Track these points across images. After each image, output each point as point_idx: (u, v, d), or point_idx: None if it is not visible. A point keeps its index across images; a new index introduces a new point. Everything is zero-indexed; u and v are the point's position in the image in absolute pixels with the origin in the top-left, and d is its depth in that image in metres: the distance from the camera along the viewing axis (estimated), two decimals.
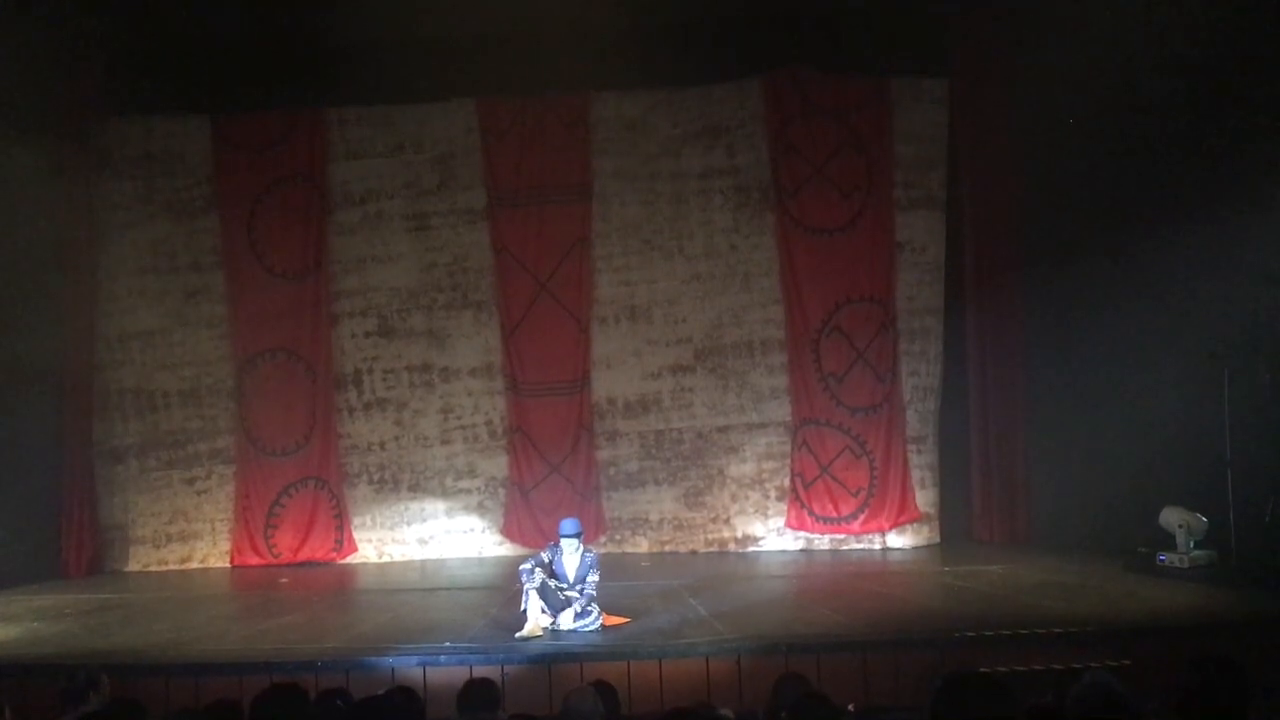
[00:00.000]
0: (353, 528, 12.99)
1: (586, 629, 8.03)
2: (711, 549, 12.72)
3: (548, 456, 12.85)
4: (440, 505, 13.04)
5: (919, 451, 12.71)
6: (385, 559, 12.99)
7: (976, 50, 12.45)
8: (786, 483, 12.74)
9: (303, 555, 12.84)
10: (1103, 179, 10.96)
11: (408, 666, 7.26)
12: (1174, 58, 9.73)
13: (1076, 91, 10.99)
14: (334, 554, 12.89)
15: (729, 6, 12.03)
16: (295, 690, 4.41)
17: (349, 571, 12.51)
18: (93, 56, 12.36)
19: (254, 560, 12.82)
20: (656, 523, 12.83)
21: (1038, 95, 11.70)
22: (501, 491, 12.99)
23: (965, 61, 12.53)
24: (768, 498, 12.80)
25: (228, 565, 12.91)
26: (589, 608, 8.11)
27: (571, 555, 8.34)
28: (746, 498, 12.81)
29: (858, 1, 12.07)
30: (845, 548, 12.63)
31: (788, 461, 12.76)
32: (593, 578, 8.22)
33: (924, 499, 12.67)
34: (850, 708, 5.54)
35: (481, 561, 12.58)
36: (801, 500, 12.65)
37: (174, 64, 12.56)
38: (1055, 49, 11.15)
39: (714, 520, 12.81)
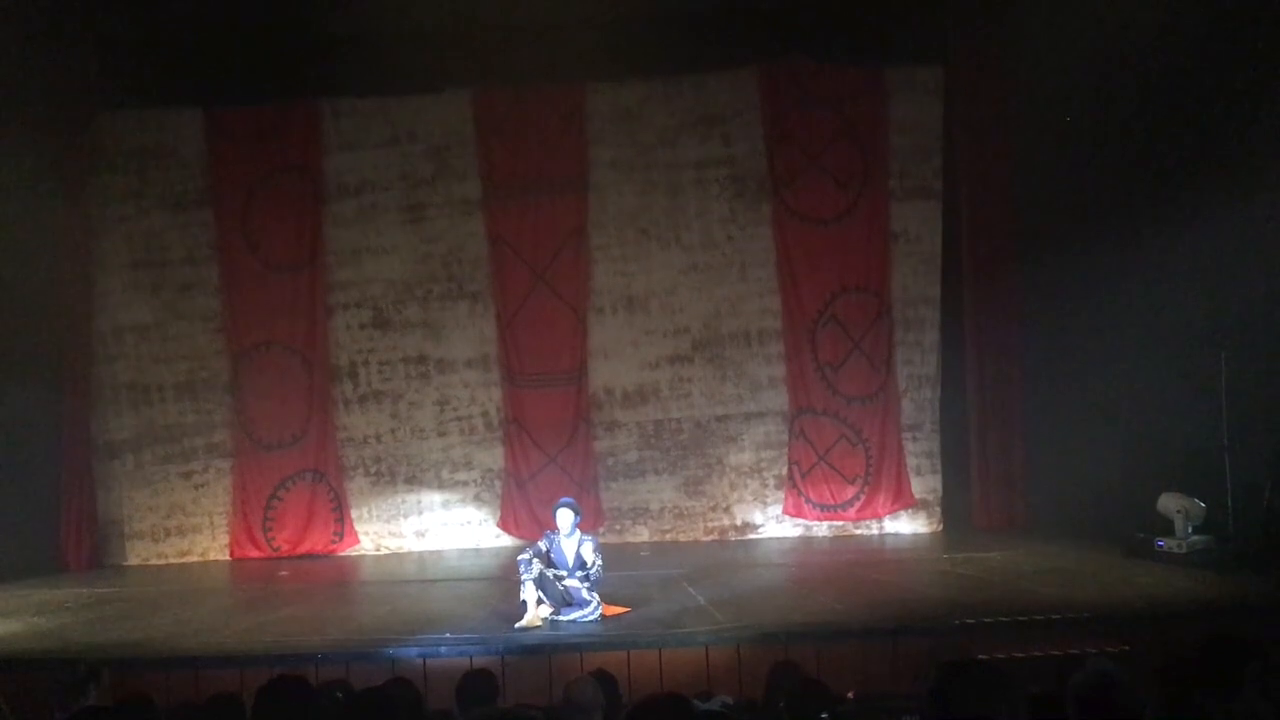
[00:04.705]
0: (352, 519, 12.98)
1: (586, 619, 8.05)
2: (712, 537, 12.74)
3: (545, 447, 12.83)
4: (437, 497, 13.02)
5: (914, 439, 12.75)
6: (382, 551, 12.97)
7: (972, 38, 12.42)
8: (784, 471, 12.77)
9: (302, 548, 12.81)
10: (1098, 166, 10.97)
11: (408, 658, 7.28)
12: (1171, 46, 9.73)
13: (1072, 80, 10.98)
14: (333, 546, 12.87)
15: None
16: (299, 682, 4.40)
17: (348, 564, 12.50)
18: (85, 50, 12.28)
19: (253, 553, 12.80)
20: (657, 512, 12.84)
21: (1033, 83, 11.70)
22: (498, 483, 12.98)
23: (961, 49, 12.50)
24: (766, 486, 12.83)
25: (227, 558, 12.90)
26: (589, 597, 8.13)
27: (569, 539, 8.36)
28: (745, 486, 12.84)
29: None
30: (844, 534, 12.68)
31: (785, 450, 12.78)
32: (595, 560, 8.20)
33: (921, 486, 12.71)
34: (850, 695, 5.56)
35: (479, 553, 12.56)
36: (799, 488, 12.69)
37: (166, 56, 12.45)
38: (1051, 37, 11.14)
39: (714, 509, 12.83)
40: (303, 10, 11.59)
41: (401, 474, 13.02)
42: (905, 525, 12.70)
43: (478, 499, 13.02)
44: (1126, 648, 6.81)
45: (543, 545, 8.34)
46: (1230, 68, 9.46)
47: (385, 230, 13.02)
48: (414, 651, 7.38)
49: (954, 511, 12.75)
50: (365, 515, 13.02)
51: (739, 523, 12.83)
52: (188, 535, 13.01)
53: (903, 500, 12.65)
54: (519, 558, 8.23)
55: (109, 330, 13.01)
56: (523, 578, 8.03)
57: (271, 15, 11.82)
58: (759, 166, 12.80)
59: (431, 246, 13.01)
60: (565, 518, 8.37)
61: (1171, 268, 9.98)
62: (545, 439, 12.81)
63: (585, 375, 12.84)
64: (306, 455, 12.93)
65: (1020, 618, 7.50)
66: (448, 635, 7.74)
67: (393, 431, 13.04)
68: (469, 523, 13.03)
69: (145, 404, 13.03)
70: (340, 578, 11.58)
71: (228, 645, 7.78)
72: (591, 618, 8.09)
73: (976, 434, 12.57)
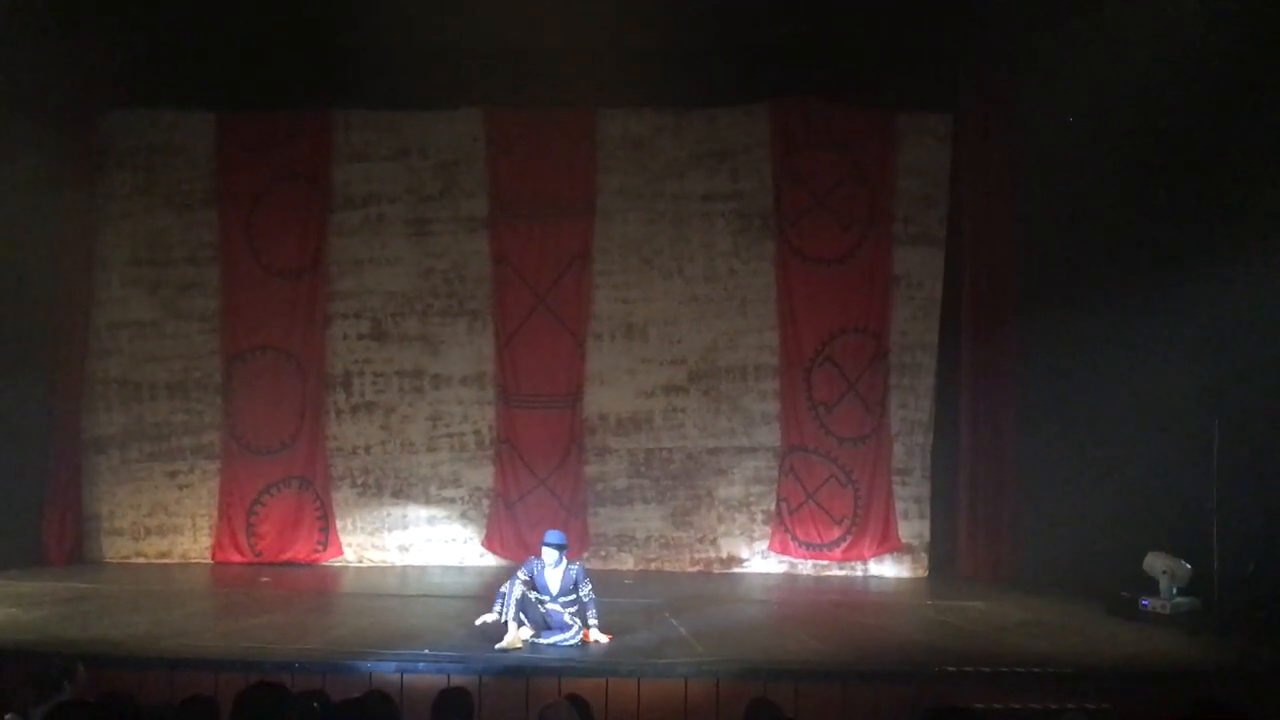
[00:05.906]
0: (337, 530, 12.91)
1: (566, 643, 8.03)
2: (697, 568, 12.69)
3: (535, 469, 12.79)
4: (423, 513, 12.95)
5: (904, 484, 12.74)
6: (365, 564, 12.90)
7: (983, 87, 12.49)
8: (773, 507, 12.74)
9: (284, 555, 12.72)
10: (1102, 222, 11.04)
11: (386, 672, 7.26)
12: (1180, 102, 9.82)
13: (1080, 133, 11.06)
14: (316, 555, 12.80)
15: (739, 32, 12.06)
16: (278, 689, 4.38)
17: (329, 574, 12.43)
18: (101, 47, 12.31)
19: (235, 557, 12.72)
20: (643, 540, 12.80)
21: (1042, 136, 11.76)
22: (485, 502, 12.92)
23: (971, 98, 12.58)
24: (754, 521, 12.80)
25: (207, 561, 12.80)
26: (570, 621, 8.12)
27: (553, 569, 8.35)
28: (733, 520, 12.80)
29: (867, 32, 12.09)
30: (830, 574, 12.64)
31: (775, 486, 12.76)
32: (585, 589, 8.25)
33: (908, 531, 12.69)
34: None
35: (463, 571, 12.49)
36: (786, 525, 12.66)
37: (181, 59, 12.47)
38: (1061, 90, 11.23)
39: (700, 540, 12.79)
40: (320, 21, 11.63)
41: (389, 487, 12.97)
42: (890, 569, 12.67)
43: (464, 517, 12.96)
44: (1107, 706, 6.79)
45: (523, 573, 8.35)
46: (1239, 122, 9.52)
47: (389, 243, 13.03)
48: (392, 666, 7.34)
49: (939, 558, 12.70)
50: (350, 526, 12.96)
51: (724, 556, 12.79)
52: (168, 535, 12.93)
53: (889, 544, 12.62)
54: (499, 591, 8.27)
55: (104, 325, 12.98)
56: (505, 597, 8.07)
57: (288, 25, 11.85)
58: (765, 203, 12.85)
59: (434, 262, 13.02)
60: (550, 555, 8.39)
61: (1171, 328, 10.00)
62: (536, 461, 12.77)
63: (580, 400, 12.83)
64: (295, 462, 12.87)
65: (1003, 669, 7.48)
66: (426, 651, 7.70)
67: (383, 444, 13.00)
68: (454, 540, 12.97)
69: (135, 400, 12.99)
70: (321, 587, 11.51)
71: (205, 648, 7.73)
72: (571, 642, 8.07)
73: (966, 482, 12.52)
